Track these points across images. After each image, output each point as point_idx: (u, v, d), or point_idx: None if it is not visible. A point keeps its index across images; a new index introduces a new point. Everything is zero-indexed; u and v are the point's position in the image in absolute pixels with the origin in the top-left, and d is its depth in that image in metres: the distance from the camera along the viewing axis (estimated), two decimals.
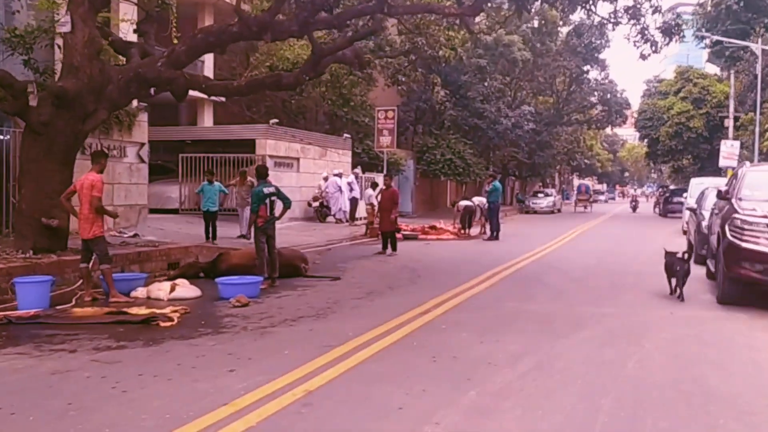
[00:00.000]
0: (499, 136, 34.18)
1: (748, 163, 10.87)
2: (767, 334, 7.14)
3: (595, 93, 45.68)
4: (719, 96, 36.40)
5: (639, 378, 5.38)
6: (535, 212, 39.25)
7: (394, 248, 14.67)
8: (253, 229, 9.81)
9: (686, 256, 9.86)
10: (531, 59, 34.14)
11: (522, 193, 51.97)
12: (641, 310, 8.42)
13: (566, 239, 20.08)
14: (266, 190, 9.81)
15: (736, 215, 8.82)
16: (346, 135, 25.97)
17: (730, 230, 8.81)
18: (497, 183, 19.52)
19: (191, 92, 17.19)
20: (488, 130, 33.55)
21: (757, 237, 8.45)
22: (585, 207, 45.07)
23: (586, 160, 69.83)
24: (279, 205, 10.34)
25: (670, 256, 10.14)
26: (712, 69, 44.64)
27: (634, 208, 42.27)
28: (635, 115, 44.37)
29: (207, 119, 25.71)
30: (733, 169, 29.29)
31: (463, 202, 20.44)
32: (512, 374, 5.37)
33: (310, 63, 12.20)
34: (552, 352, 6.14)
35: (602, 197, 72.69)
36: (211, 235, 14.78)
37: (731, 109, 30.95)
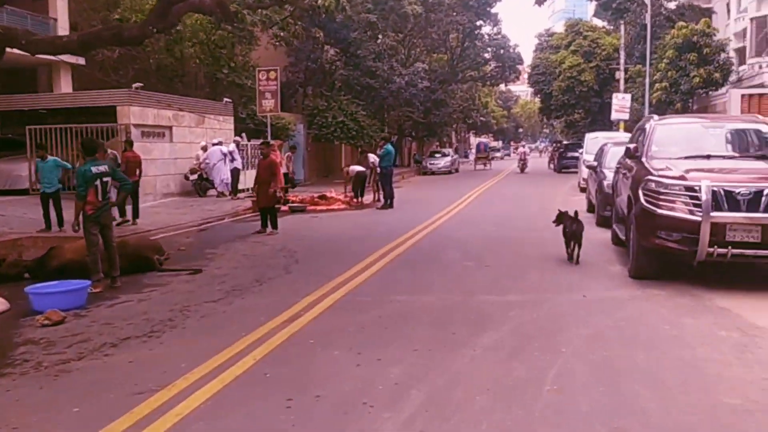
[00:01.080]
0: (392, 96, 32.74)
1: (655, 116, 9.88)
2: (696, 320, 6.07)
3: (489, 49, 45.02)
4: (608, 48, 36.53)
5: (560, 410, 4.07)
6: (433, 173, 38.36)
7: (274, 226, 12.96)
8: (81, 219, 7.84)
9: (576, 214, 9.24)
10: (423, 14, 32.71)
11: (419, 154, 51.13)
12: (550, 295, 7.21)
13: (464, 203, 19.03)
14: (95, 169, 7.82)
15: (650, 177, 7.75)
16: (226, 99, 23.69)
17: (643, 194, 7.73)
18: (389, 146, 18.07)
19: (43, 55, 14.60)
20: (381, 90, 32.02)
21: (674, 201, 7.41)
22: (484, 165, 45.31)
23: (481, 118, 69.90)
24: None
25: (565, 217, 9.44)
26: (599, 24, 44.94)
27: (522, 168, 37.61)
28: (528, 70, 44.15)
29: (65, 85, 22.71)
30: (626, 122, 29.38)
31: (354, 167, 18.89)
32: (395, 421, 3.92)
33: (158, 12, 10.15)
34: (448, 373, 4.74)
35: (499, 154, 73.35)
36: (57, 221, 12.51)
37: (622, 60, 30.94)
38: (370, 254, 9.86)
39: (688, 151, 8.47)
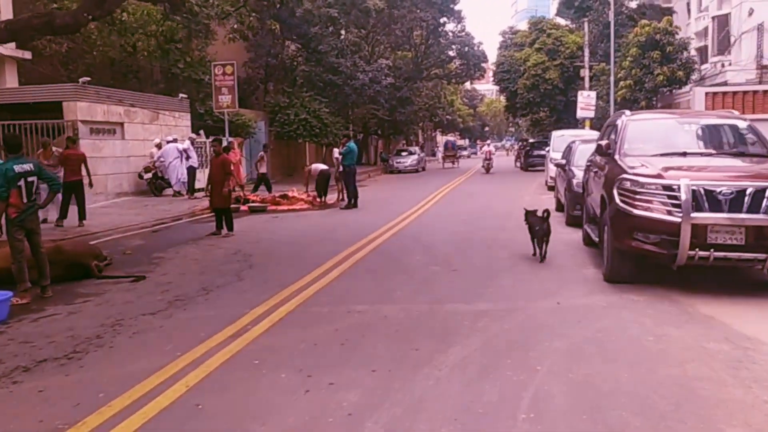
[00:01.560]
0: (356, 93, 32.04)
1: (627, 111, 9.43)
2: (680, 330, 5.59)
3: (453, 46, 44.64)
4: (572, 47, 36.43)
5: None
6: (400, 172, 37.83)
7: (229, 228, 12.23)
8: (3, 223, 7.05)
9: (546, 214, 9.01)
10: (385, 9, 32.11)
11: (386, 152, 50.60)
12: (522, 302, 6.67)
13: (431, 202, 18.50)
14: (18, 168, 7.02)
15: (626, 176, 7.26)
16: (182, 95, 22.76)
17: (618, 194, 7.24)
18: (352, 144, 17.41)
19: None
20: (345, 87, 31.32)
21: (650, 201, 6.93)
22: (452, 163, 45.58)
23: (447, 116, 69.69)
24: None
25: (531, 216, 9.30)
26: (562, 22, 44.93)
27: (488, 168, 35.11)
28: (492, 67, 43.90)
29: (10, 80, 21.47)
30: (591, 119, 29.23)
31: (317, 166, 18.19)
32: None
33: None
34: (410, 399, 4.13)
35: (465, 152, 73.20)
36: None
37: (586, 58, 30.77)
38: (330, 258, 9.23)
39: (662, 148, 8.02)
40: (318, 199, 18.00)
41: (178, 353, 4.97)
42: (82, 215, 13.28)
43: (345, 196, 17.64)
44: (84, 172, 13.35)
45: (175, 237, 12.26)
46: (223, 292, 7.33)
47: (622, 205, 7.16)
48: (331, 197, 18.72)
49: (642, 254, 7.11)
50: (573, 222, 12.54)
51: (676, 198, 6.68)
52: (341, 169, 17.31)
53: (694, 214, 6.56)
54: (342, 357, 4.95)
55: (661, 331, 5.59)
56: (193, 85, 25.06)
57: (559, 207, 14.99)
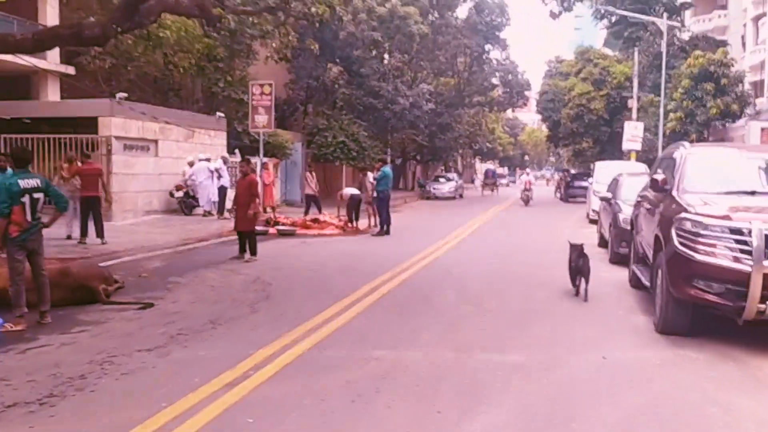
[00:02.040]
0: (396, 117, 31.56)
1: (686, 143, 8.59)
2: (750, 401, 4.74)
3: (497, 74, 44.01)
4: (619, 77, 35.43)
5: None
6: (437, 198, 37.10)
7: (253, 252, 11.68)
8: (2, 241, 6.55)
9: (582, 247, 8.78)
10: (429, 34, 31.70)
11: (424, 178, 49.96)
12: (562, 353, 5.89)
13: (466, 232, 17.73)
14: (23, 183, 6.55)
15: (686, 215, 6.44)
16: (219, 114, 22.54)
17: (677, 235, 6.42)
18: (387, 169, 16.82)
19: (27, 61, 13.52)
20: (384, 111, 30.87)
21: (714, 246, 6.10)
22: (491, 190, 45.74)
23: (488, 144, 68.92)
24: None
25: (573, 249, 8.85)
26: (609, 53, 43.96)
27: (527, 200, 30.47)
28: (536, 96, 43.11)
29: (52, 95, 21.61)
30: (638, 152, 28.14)
31: (348, 190, 17.60)
32: None
33: (123, 9, 8.98)
34: None
35: (504, 181, 72.19)
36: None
37: (635, 88, 29.73)
38: (354, 291, 8.56)
39: (728, 186, 7.18)
40: (349, 225, 17.40)
41: (163, 404, 4.33)
42: (99, 233, 12.89)
43: (377, 222, 17.01)
44: (101, 187, 12.99)
45: (197, 259, 11.75)
46: (232, 327, 6.71)
47: (681, 248, 6.34)
48: (364, 223, 18.11)
49: (702, 305, 6.27)
50: (618, 260, 11.67)
51: (745, 243, 5.85)
52: (374, 194, 16.69)
53: (766, 263, 5.73)
54: (351, 417, 4.25)
55: (726, 399, 4.76)
56: (233, 104, 24.92)
57: (603, 243, 14.09)
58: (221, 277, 9.82)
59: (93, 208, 12.87)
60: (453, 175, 44.30)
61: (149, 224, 17.21)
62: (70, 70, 22.17)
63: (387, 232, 16.33)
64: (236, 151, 24.18)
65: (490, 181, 47.66)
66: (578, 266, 8.61)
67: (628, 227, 11.20)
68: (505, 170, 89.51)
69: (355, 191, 17.43)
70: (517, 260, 12.14)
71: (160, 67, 19.87)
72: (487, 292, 8.81)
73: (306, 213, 19.98)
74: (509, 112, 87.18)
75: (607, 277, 10.34)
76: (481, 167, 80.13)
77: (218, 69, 24.74)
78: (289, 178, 29.36)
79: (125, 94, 17.79)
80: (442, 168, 55.83)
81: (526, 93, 45.36)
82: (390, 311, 7.55)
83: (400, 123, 32.73)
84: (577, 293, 8.57)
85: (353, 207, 17.39)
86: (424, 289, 8.89)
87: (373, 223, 17.47)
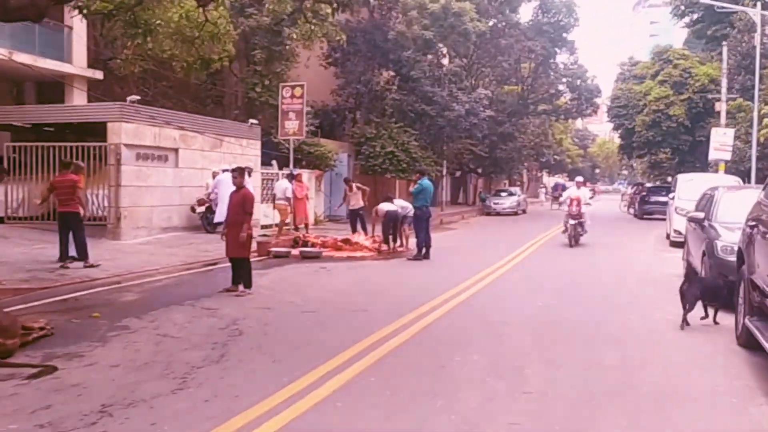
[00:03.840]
0: (450, 125, 29.08)
1: None
2: None
3: (564, 79, 40.95)
4: (703, 79, 31.81)
5: None
6: (498, 213, 34.31)
7: (247, 284, 9.47)
8: None
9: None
10: (488, 34, 29.17)
11: (486, 192, 47.21)
12: None
13: (523, 254, 15.11)
14: None
15: None
16: (252, 121, 20.67)
17: None
18: (426, 181, 14.36)
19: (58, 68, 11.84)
20: (438, 118, 28.45)
21: None
22: (560, 205, 41.95)
23: (555, 156, 65.37)
24: None
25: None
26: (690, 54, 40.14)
27: (575, 237, 16.95)
28: (607, 103, 39.73)
29: (78, 100, 20.28)
30: (726, 162, 24.70)
31: (385, 206, 15.26)
32: None
33: None
34: None
35: None
36: None
37: (724, 89, 26.23)
38: (349, 347, 6.22)
39: None
40: (384, 246, 15.04)
41: None
42: (81, 254, 11.03)
43: (412, 244, 14.63)
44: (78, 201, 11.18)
45: (180, 292, 9.63)
46: (132, 417, 4.46)
47: None
48: (408, 243, 15.72)
49: None
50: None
51: None
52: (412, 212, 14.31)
53: None
54: None
55: None
56: (272, 111, 23.07)
57: (691, 273, 11.24)
58: (188, 319, 7.63)
59: (71, 226, 11.03)
60: (515, 189, 41.44)
61: (162, 243, 15.34)
62: (98, 74, 20.85)
63: (426, 256, 13.90)
64: (273, 162, 22.34)
65: (558, 195, 45.27)
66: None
67: (731, 259, 8.46)
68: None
69: (392, 207, 15.06)
70: (577, 297, 9.49)
71: (160, 61, 17.99)
72: (529, 355, 6.26)
73: (353, 231, 17.77)
74: (578, 123, 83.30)
75: (704, 328, 7.62)
76: (548, 181, 76.43)
77: (256, 72, 23.02)
78: (335, 192, 27.33)
79: (137, 97, 16.07)
80: (506, 182, 52.85)
81: (596, 100, 42.04)
82: (383, 389, 5.14)
83: (456, 132, 30.22)
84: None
85: (390, 226, 15.03)
86: (443, 348, 6.42)
87: (401, 243, 15.13)
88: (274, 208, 18.87)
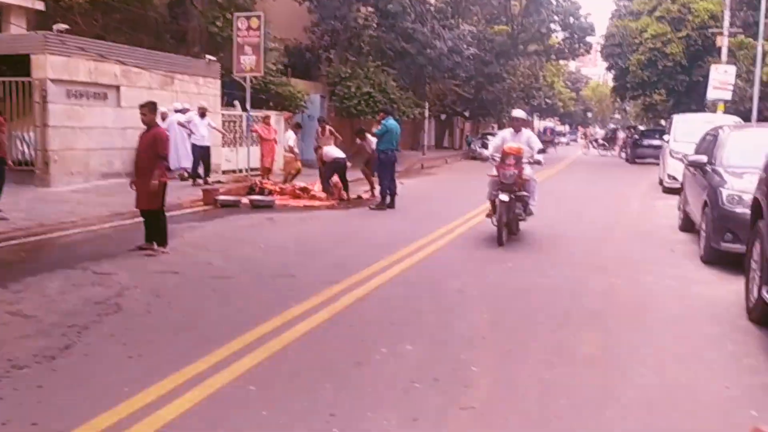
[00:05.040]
0: (432, 64, 27.10)
1: None
2: None
3: (556, 17, 38.64)
4: (702, 15, 29.74)
5: None
6: (483, 158, 32.61)
7: (161, 241, 7.92)
8: None
9: None
10: None
11: (473, 136, 45.40)
12: None
13: None
14: None
15: None
16: (209, 57, 18.74)
17: None
18: (391, 121, 12.64)
19: None
20: (418, 56, 26.45)
21: None
22: (546, 149, 41.39)
23: (547, 99, 63.18)
24: None
25: None
26: None
27: (510, 228, 8.88)
28: (601, 42, 37.56)
29: (15, 31, 18.28)
30: (727, 102, 23.02)
31: (331, 150, 13.60)
32: None
33: None
34: None
35: (564, 139, 66.68)
36: None
37: (726, 22, 24.31)
38: (253, 328, 4.75)
39: None
40: (331, 196, 13.42)
41: None
42: None
43: (377, 192, 13.07)
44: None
45: (80, 251, 8.09)
46: None
47: None
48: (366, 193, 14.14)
49: None
50: (717, 259, 7.46)
51: None
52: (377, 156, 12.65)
53: None
54: None
55: None
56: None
57: (688, 225, 9.81)
58: (64, 289, 6.06)
59: None
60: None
61: (98, 191, 13.69)
62: (39, 5, 18.77)
63: (391, 206, 12.36)
64: (235, 103, 20.51)
65: (548, 139, 44.61)
66: None
67: (739, 211, 7.03)
68: (565, 128, 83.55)
69: (339, 153, 13.41)
70: (555, 258, 7.99)
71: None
72: (484, 341, 4.77)
73: (325, 182, 16.05)
74: (572, 65, 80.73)
75: (703, 293, 6.17)
76: (538, 125, 74.49)
77: (218, 4, 20.93)
78: (307, 136, 25.55)
79: (65, 26, 14.13)
80: (494, 125, 50.92)
81: (590, 39, 39.86)
82: (259, 405, 3.63)
83: (438, 71, 28.24)
84: None
85: (332, 173, 13.36)
86: (369, 332, 4.92)
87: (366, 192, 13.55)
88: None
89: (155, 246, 7.88)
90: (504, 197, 8.34)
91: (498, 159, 8.67)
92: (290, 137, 16.24)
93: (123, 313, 5.29)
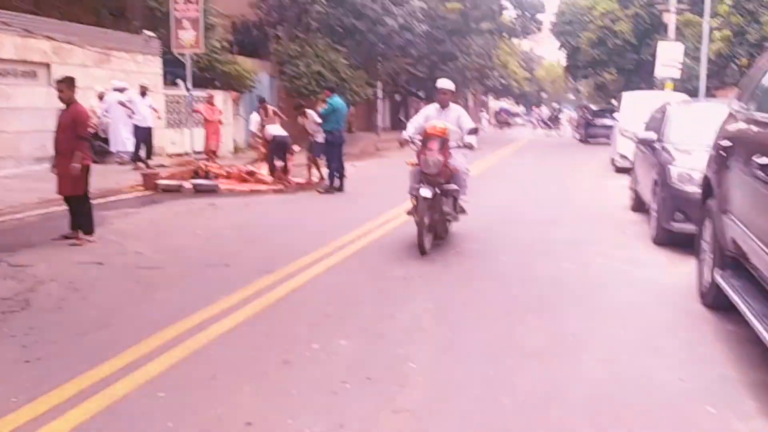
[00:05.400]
0: (383, 41, 26.61)
1: None
2: None
3: None
4: None
5: None
6: None
7: (86, 229, 7.39)
8: None
9: None
10: None
11: None
12: None
13: None
14: None
15: None
16: (148, 33, 17.91)
17: None
18: (337, 99, 12.18)
19: None
20: (369, 34, 25.93)
21: None
22: (502, 129, 45.05)
23: (501, 80, 63.14)
24: None
25: None
26: None
27: (437, 231, 7.09)
28: (552, 20, 37.55)
29: None
30: (674, 81, 23.15)
31: (273, 129, 13.14)
32: None
33: None
34: None
35: (520, 120, 66.97)
36: None
37: (673, 0, 24.43)
38: (172, 323, 4.32)
39: None
40: (273, 176, 12.97)
41: None
42: None
43: (321, 174, 12.65)
44: None
45: (2, 241, 7.48)
46: None
47: None
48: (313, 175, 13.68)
49: None
50: (668, 240, 7.31)
51: None
52: (320, 137, 12.19)
53: None
54: None
55: None
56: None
57: (639, 206, 9.68)
58: None
59: None
60: None
61: (31, 177, 12.93)
62: None
63: (339, 188, 11.95)
64: (179, 81, 19.69)
65: (503, 119, 45.21)
66: None
67: (690, 190, 6.87)
68: (521, 109, 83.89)
69: (279, 131, 12.93)
70: (503, 241, 7.71)
71: None
72: (423, 334, 4.45)
73: (271, 165, 15.47)
74: (525, 45, 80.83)
75: (655, 277, 5.98)
76: (494, 105, 74.60)
77: None
78: (250, 117, 24.85)
79: None
80: None
81: (540, 17, 39.86)
82: (157, 420, 3.25)
83: (389, 49, 27.77)
84: None
85: (274, 152, 12.92)
86: (303, 325, 4.56)
87: (314, 176, 13.06)
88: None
89: (81, 235, 7.34)
90: (426, 192, 6.48)
91: (419, 142, 6.90)
92: (253, 119, 15.66)
93: (30, 310, 4.80)
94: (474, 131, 7.39)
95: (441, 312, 4.90)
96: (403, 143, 7.46)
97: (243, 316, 4.65)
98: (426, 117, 7.50)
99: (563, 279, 5.92)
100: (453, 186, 7.00)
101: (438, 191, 6.72)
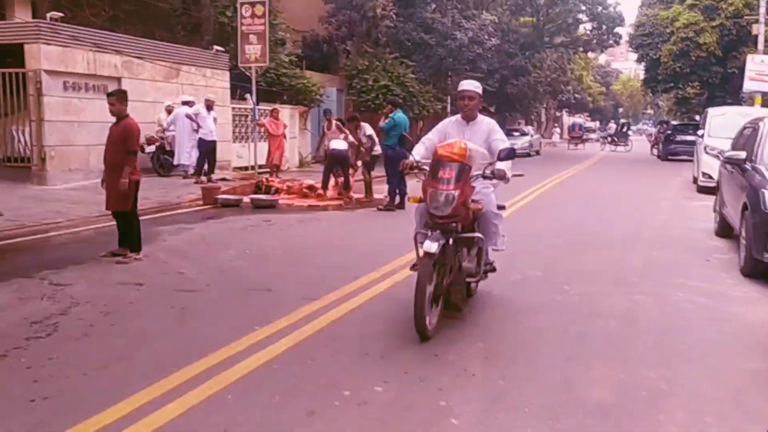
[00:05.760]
0: (452, 56, 26.13)
1: None
2: None
3: (583, 7, 37.31)
4: (737, 3, 28.30)
5: None
6: None
7: (134, 246, 7.22)
8: None
9: None
10: None
11: None
12: None
13: (520, 202, 12.70)
14: None
15: None
16: (217, 48, 18.09)
17: None
18: (400, 115, 11.74)
19: None
20: (438, 48, 25.52)
21: None
22: (576, 145, 42.90)
23: (575, 94, 61.53)
24: None
25: None
26: None
27: (460, 294, 5.15)
28: (630, 32, 36.14)
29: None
30: (764, 95, 21.70)
31: (336, 142, 12.83)
32: None
33: None
34: None
35: (594, 135, 65.03)
36: None
37: (762, 10, 22.95)
38: (196, 361, 3.97)
39: None
40: (324, 192, 12.71)
41: None
42: None
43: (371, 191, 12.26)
44: None
45: (48, 257, 7.44)
46: None
47: None
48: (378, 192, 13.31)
49: None
50: (761, 273, 6.50)
51: None
52: (378, 153, 11.82)
53: None
54: None
55: None
56: None
57: (725, 231, 8.81)
58: (11, 302, 5.41)
59: None
60: (528, 128, 38.51)
61: (97, 189, 13.03)
62: None
63: (400, 206, 11.51)
64: (247, 96, 19.81)
65: (576, 134, 44.40)
66: None
67: None
68: (596, 124, 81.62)
69: (339, 145, 12.59)
70: (571, 267, 7.07)
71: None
72: (477, 378, 3.92)
73: (325, 180, 15.20)
74: (601, 59, 78.73)
75: (744, 315, 5.24)
76: (567, 121, 72.76)
77: None
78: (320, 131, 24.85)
79: (59, 14, 13.52)
80: (521, 121, 49.68)
81: (619, 30, 38.48)
82: None
83: (458, 63, 27.25)
84: None
85: (332, 167, 12.63)
86: (340, 364, 4.12)
87: (370, 194, 12.68)
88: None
89: (128, 252, 7.17)
90: (431, 246, 4.46)
91: (426, 168, 4.91)
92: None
93: (56, 336, 4.56)
94: (509, 155, 4.87)
95: (492, 353, 4.36)
96: (405, 169, 5.11)
97: (273, 352, 4.24)
98: (443, 133, 5.39)
99: (636, 315, 5.27)
100: (476, 234, 4.99)
101: (449, 242, 4.69)
